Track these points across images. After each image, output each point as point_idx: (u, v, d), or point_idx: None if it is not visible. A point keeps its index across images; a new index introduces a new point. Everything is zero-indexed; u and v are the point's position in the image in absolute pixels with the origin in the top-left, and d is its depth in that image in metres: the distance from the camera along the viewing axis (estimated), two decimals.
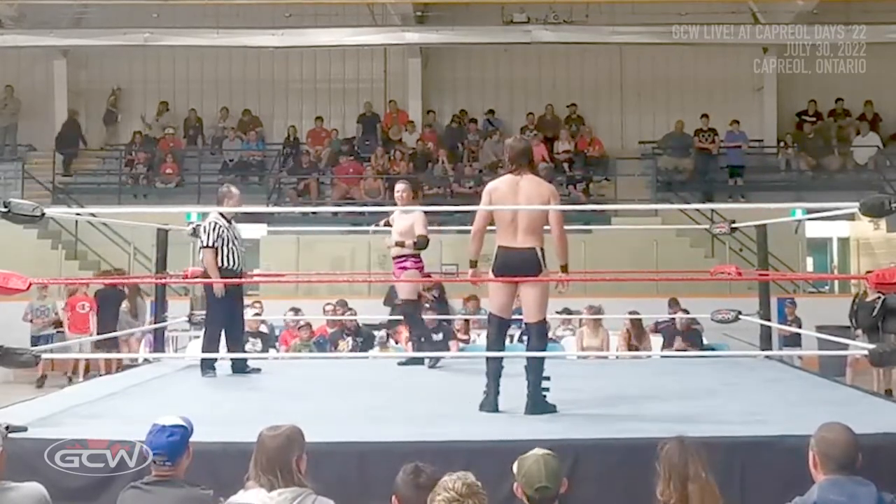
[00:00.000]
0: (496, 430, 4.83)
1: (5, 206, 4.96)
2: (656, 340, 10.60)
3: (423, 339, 7.92)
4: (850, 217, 15.10)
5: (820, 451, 3.35)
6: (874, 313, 10.95)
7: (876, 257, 15.78)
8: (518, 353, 6.29)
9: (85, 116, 18.70)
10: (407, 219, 7.53)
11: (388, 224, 7.90)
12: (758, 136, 18.06)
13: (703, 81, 18.32)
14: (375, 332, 10.43)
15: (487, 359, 5.56)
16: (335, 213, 16.18)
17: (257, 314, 10.49)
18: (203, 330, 7.37)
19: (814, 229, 16.53)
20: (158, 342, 8.17)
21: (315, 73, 18.81)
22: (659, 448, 3.28)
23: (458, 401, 5.66)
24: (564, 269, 5.60)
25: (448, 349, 8.88)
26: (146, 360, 8.69)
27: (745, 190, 16.99)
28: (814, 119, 17.86)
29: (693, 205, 14.25)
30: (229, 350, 7.09)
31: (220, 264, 6.92)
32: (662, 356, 9.45)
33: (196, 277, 7.87)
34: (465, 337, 10.28)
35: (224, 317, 7.02)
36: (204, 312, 7.35)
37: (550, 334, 8.81)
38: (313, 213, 15.97)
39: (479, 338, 9.95)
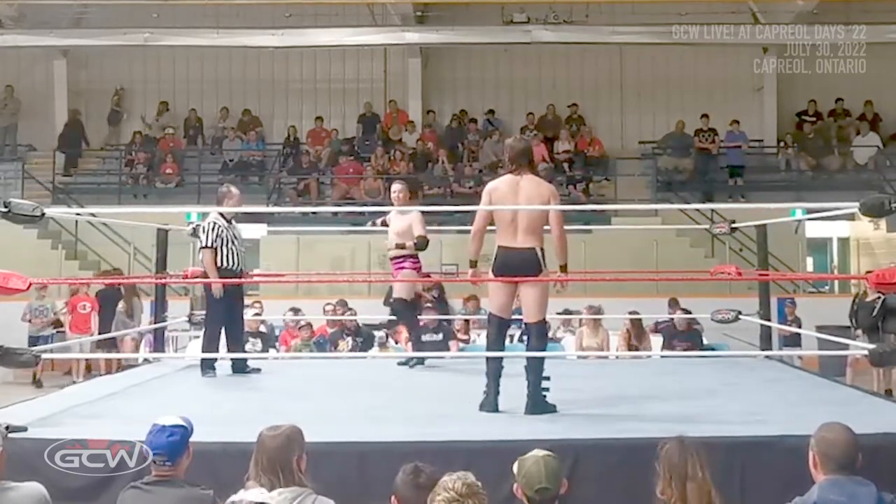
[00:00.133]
0: (496, 430, 4.82)
1: (5, 206, 4.96)
2: (656, 340, 10.60)
3: (416, 339, 7.91)
4: (850, 217, 15.11)
5: (820, 451, 3.35)
6: (874, 313, 10.95)
7: (876, 257, 15.78)
8: (518, 353, 6.29)
9: (85, 116, 18.69)
10: (404, 219, 7.51)
11: (384, 224, 7.90)
12: (758, 136, 18.06)
13: (703, 81, 18.33)
14: (375, 332, 10.43)
15: (487, 359, 5.56)
16: (335, 213, 16.17)
17: (257, 314, 10.48)
18: (203, 330, 7.37)
19: (814, 229, 16.54)
20: (158, 342, 8.17)
21: (315, 73, 18.82)
22: (659, 448, 3.28)
23: (458, 401, 5.66)
24: (564, 268, 5.60)
25: (448, 349, 8.88)
26: (146, 360, 8.69)
27: (745, 190, 16.99)
28: (814, 119, 17.87)
29: (693, 205, 14.26)
30: (229, 350, 7.09)
31: (219, 264, 6.91)
32: (662, 356, 9.45)
33: (196, 277, 7.87)
34: (465, 337, 10.28)
35: (224, 317, 7.02)
36: (204, 312, 7.34)
37: (550, 334, 8.81)
38: (313, 213, 15.96)
39: (479, 338, 9.95)
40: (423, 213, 7.89)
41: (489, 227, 5.59)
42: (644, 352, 10.00)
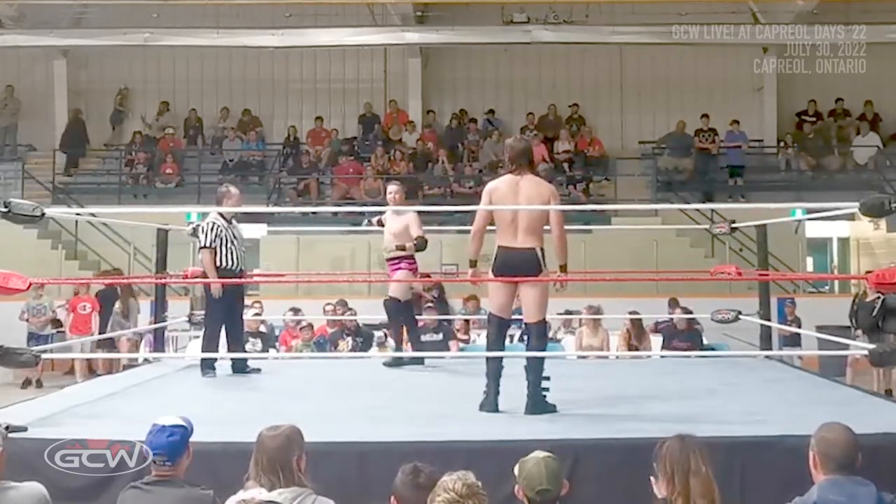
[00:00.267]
0: (496, 430, 4.82)
1: (5, 206, 4.95)
2: (656, 340, 10.60)
3: (415, 339, 7.90)
4: (850, 217, 15.10)
5: (820, 451, 3.35)
6: (874, 313, 10.93)
7: (876, 257, 15.78)
8: (518, 353, 6.29)
9: (85, 116, 18.69)
10: (400, 220, 7.50)
11: (380, 223, 7.89)
12: (758, 136, 18.05)
13: (703, 81, 18.32)
14: (375, 332, 10.43)
15: (487, 359, 5.56)
16: (335, 213, 16.15)
17: (257, 314, 10.48)
18: (203, 330, 7.37)
19: (814, 229, 16.54)
20: (158, 342, 8.16)
21: (315, 73, 18.81)
22: (657, 447, 3.27)
23: (458, 401, 5.66)
24: (564, 268, 5.60)
25: (448, 349, 8.88)
26: (146, 360, 8.69)
27: (745, 190, 16.98)
28: (814, 119, 17.86)
29: (693, 205, 14.25)
30: (229, 350, 7.09)
31: (218, 264, 6.91)
32: (662, 356, 9.45)
33: (196, 277, 7.87)
34: (465, 337, 10.29)
35: (224, 317, 7.01)
36: (204, 312, 7.34)
37: (550, 335, 8.81)
38: (313, 213, 15.96)
39: (479, 338, 9.95)
40: (421, 213, 7.89)
41: (489, 227, 5.59)
42: (644, 352, 10.01)
